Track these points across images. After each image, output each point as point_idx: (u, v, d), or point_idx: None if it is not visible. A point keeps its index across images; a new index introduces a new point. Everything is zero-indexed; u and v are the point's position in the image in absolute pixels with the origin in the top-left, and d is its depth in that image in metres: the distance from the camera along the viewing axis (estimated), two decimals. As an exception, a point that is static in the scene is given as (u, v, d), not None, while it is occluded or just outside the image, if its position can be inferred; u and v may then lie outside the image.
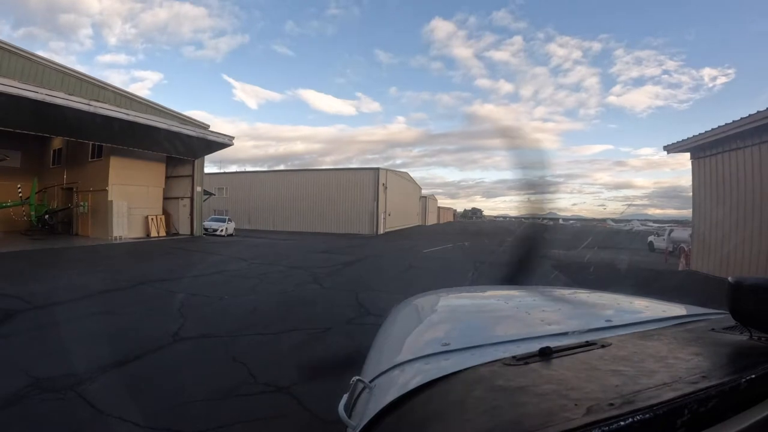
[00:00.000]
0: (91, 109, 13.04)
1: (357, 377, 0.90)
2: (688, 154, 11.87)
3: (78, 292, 6.73)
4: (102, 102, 14.02)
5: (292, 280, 8.92)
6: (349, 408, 0.84)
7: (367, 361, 1.14)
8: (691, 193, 11.87)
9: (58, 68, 15.07)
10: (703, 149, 11.08)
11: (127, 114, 14.41)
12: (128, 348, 4.15)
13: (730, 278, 0.78)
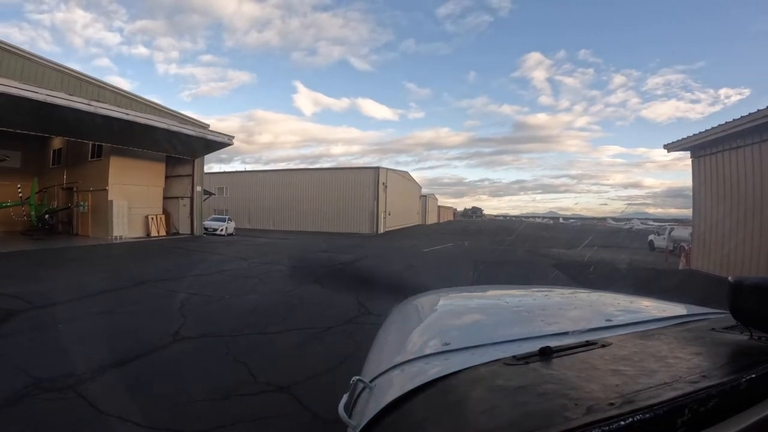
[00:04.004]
0: (91, 109, 13.03)
1: (357, 377, 0.90)
2: (689, 153, 11.87)
3: (78, 292, 6.73)
4: (102, 102, 14.02)
5: (293, 279, 8.92)
6: (349, 408, 0.84)
7: (368, 360, 1.13)
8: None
9: (57, 68, 15.08)
10: (702, 148, 11.07)
11: (127, 114, 14.40)
12: (128, 347, 4.15)
13: (730, 278, 0.78)
